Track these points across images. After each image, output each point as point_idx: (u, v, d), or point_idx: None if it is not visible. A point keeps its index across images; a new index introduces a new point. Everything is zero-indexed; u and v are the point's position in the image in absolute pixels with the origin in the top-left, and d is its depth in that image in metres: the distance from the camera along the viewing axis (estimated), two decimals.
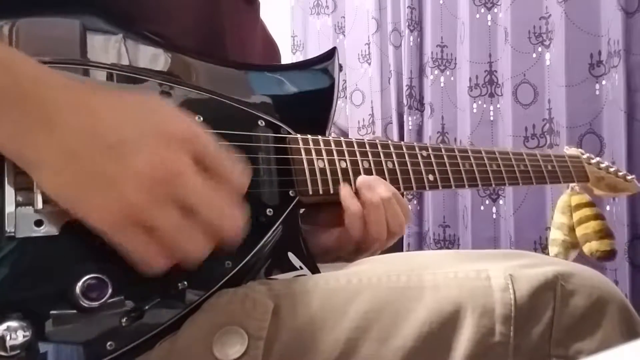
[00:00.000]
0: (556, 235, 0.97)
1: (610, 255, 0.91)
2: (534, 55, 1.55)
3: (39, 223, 0.39)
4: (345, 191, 0.56)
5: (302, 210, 0.55)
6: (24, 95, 0.36)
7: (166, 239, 0.39)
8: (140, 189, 0.37)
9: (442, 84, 1.83)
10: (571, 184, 0.91)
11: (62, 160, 0.37)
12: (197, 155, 0.40)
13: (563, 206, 0.95)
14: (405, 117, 1.92)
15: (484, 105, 1.70)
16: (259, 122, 0.53)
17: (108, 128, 0.38)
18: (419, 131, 1.91)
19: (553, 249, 0.98)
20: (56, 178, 0.37)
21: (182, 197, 0.39)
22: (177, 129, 0.40)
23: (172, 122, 0.41)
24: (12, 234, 0.38)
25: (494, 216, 1.69)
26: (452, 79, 1.82)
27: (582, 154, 0.89)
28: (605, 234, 0.92)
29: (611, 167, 0.91)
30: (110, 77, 0.46)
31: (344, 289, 0.45)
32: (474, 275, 0.45)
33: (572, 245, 0.95)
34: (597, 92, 1.42)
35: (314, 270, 0.52)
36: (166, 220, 0.38)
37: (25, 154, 0.37)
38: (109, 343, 0.39)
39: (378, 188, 0.57)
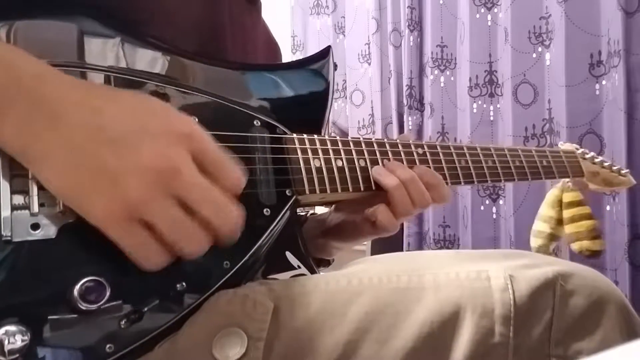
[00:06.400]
0: (543, 227, 0.99)
1: (599, 255, 0.97)
2: (534, 55, 1.55)
3: (35, 226, 0.39)
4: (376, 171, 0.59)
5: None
6: (28, 92, 0.37)
7: (165, 234, 0.39)
8: (140, 183, 0.38)
9: (442, 84, 1.83)
10: (564, 179, 0.92)
11: (66, 155, 0.37)
12: (196, 153, 0.40)
13: (553, 200, 0.97)
14: (405, 117, 1.92)
15: (484, 105, 1.69)
16: (255, 122, 0.53)
17: (111, 123, 0.38)
18: (419, 131, 1.91)
19: (537, 241, 1.01)
20: (59, 174, 0.37)
21: (181, 192, 0.39)
22: (177, 125, 0.41)
23: (173, 119, 0.42)
24: (9, 238, 0.38)
25: (494, 216, 1.69)
26: (452, 79, 1.81)
27: (577, 149, 0.90)
28: (597, 234, 0.96)
29: (605, 162, 0.92)
30: (107, 79, 0.46)
31: (344, 290, 0.45)
32: (475, 276, 0.45)
33: (555, 238, 1.00)
34: (597, 92, 1.42)
35: (312, 269, 0.52)
36: (165, 215, 0.39)
37: (29, 149, 0.37)
38: (108, 345, 0.39)
39: (397, 171, 0.60)
